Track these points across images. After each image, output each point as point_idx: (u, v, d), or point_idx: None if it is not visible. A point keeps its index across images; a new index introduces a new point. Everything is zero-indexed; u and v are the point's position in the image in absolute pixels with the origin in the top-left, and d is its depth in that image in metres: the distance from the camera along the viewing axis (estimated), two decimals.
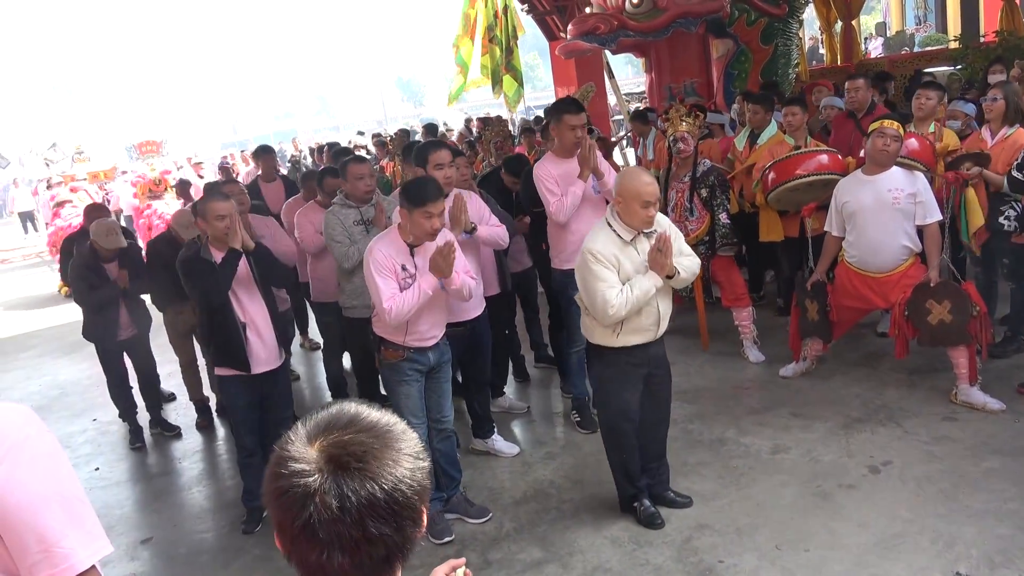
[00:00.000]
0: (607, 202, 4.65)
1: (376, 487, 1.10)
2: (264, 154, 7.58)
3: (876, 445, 4.27)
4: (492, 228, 4.64)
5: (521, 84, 13.57)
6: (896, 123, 4.56)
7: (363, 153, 13.72)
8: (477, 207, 4.66)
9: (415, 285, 3.71)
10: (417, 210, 3.64)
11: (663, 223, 3.72)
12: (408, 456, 1.15)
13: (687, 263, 3.71)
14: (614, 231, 3.58)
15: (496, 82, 13.65)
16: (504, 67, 13.39)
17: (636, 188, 3.50)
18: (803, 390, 5.07)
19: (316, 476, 1.09)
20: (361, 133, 20.07)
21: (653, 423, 3.91)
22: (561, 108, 4.73)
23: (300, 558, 1.13)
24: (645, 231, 3.61)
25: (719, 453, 4.44)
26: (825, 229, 4.96)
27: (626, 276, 3.55)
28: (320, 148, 12.56)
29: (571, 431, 5.00)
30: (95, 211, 6.54)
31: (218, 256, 4.04)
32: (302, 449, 1.12)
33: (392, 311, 3.65)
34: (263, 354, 4.19)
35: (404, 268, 3.75)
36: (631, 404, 3.78)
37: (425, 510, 1.18)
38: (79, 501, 1.48)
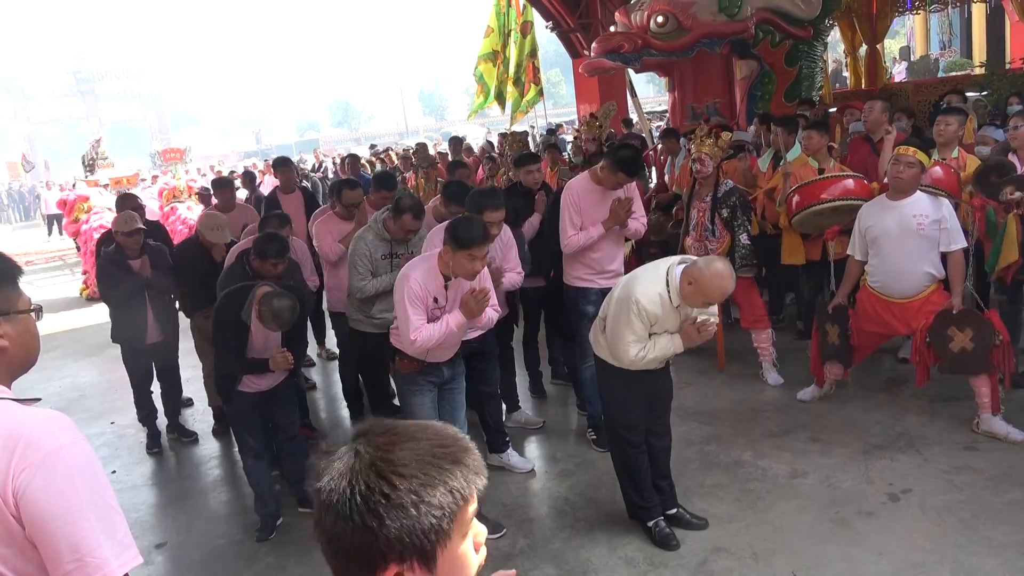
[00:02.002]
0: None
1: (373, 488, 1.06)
2: (282, 166, 7.73)
3: (896, 473, 4.22)
4: (512, 277, 4.77)
5: (522, 96, 13.61)
6: (912, 149, 4.54)
7: (380, 167, 13.89)
8: (506, 243, 4.74)
9: (443, 320, 3.79)
10: (462, 252, 3.66)
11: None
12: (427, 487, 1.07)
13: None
14: (668, 295, 3.50)
15: (500, 97, 13.78)
16: (511, 80, 13.48)
17: (713, 288, 3.36)
18: (822, 414, 5.03)
19: (341, 460, 1.09)
20: (373, 146, 20.24)
21: (656, 436, 3.93)
22: (620, 164, 4.62)
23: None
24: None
25: (736, 476, 4.41)
26: (848, 253, 4.93)
27: (661, 328, 3.58)
28: (343, 160, 12.68)
29: (586, 448, 4.98)
30: (125, 200, 6.70)
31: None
32: (345, 443, 1.12)
33: (418, 342, 3.75)
34: (265, 380, 4.27)
35: (436, 300, 3.83)
36: (638, 416, 3.82)
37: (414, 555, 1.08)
38: (112, 510, 1.51)
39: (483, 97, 14.22)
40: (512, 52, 13.35)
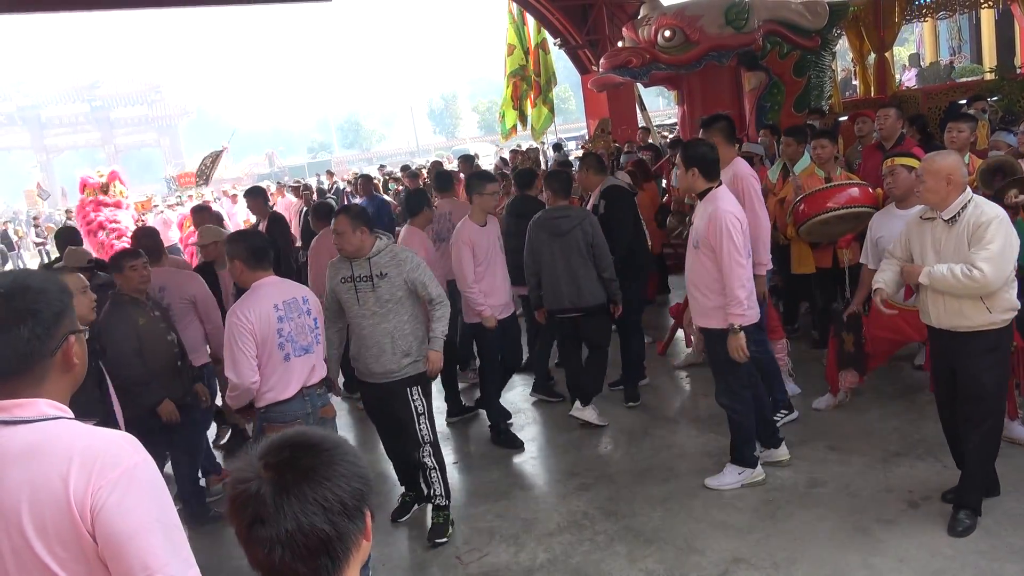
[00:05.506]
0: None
1: (308, 488, 1.19)
2: (253, 196, 8.03)
3: (915, 480, 4.21)
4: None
5: (552, 113, 13.80)
6: (891, 160, 4.55)
7: (393, 186, 14.03)
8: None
9: None
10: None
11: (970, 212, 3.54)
12: (339, 468, 1.23)
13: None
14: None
15: (524, 116, 13.94)
16: (536, 99, 13.65)
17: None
18: (840, 423, 5.03)
19: (256, 480, 1.20)
20: (382, 166, 20.41)
21: (961, 420, 3.82)
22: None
23: (253, 559, 1.22)
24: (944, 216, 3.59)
25: (755, 486, 4.41)
26: (860, 261, 4.94)
27: (910, 254, 3.75)
28: (356, 180, 12.89)
29: (605, 462, 4.99)
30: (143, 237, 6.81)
31: None
32: (249, 464, 1.23)
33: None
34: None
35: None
36: (939, 376, 3.93)
37: (367, 514, 1.26)
38: (177, 529, 1.55)
39: (515, 114, 14.43)
40: (541, 70, 13.58)
